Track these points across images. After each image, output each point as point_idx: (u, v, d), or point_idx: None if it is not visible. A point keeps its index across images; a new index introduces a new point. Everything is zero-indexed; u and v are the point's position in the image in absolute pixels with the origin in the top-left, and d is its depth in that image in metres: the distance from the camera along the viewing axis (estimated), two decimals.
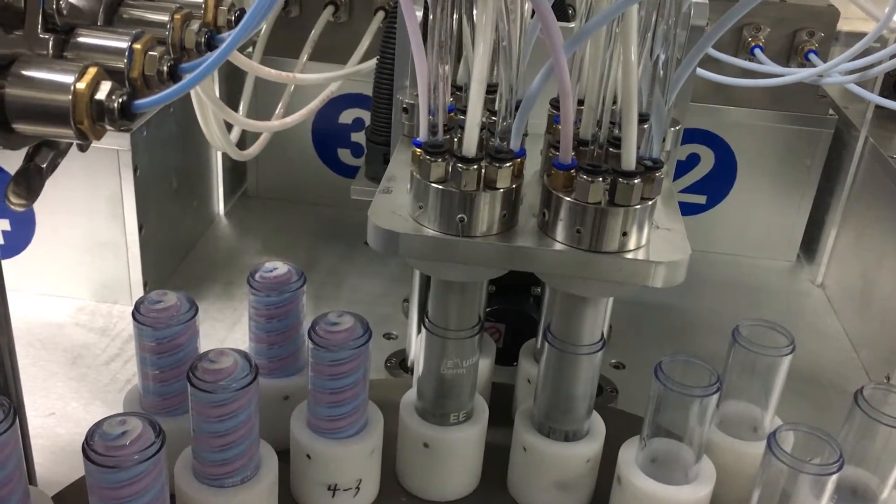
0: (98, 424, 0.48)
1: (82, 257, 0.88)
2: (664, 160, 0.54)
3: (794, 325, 0.95)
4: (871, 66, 0.86)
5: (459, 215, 0.52)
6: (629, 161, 0.52)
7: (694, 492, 0.59)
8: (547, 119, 0.62)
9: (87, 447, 0.47)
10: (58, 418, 0.75)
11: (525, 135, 0.55)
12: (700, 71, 0.88)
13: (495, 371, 0.73)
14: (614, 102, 0.55)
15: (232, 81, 1.02)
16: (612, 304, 0.72)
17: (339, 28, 1.01)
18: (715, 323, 0.95)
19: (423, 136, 0.53)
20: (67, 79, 0.38)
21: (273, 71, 0.86)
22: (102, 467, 0.47)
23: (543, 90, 0.52)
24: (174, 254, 0.99)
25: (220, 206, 1.11)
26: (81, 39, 0.43)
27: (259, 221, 1.11)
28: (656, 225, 0.55)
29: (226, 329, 0.89)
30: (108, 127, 0.39)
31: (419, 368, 0.64)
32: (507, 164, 0.52)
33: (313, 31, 0.97)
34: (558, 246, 0.53)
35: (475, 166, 0.51)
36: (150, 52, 0.43)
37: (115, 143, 0.83)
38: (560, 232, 0.53)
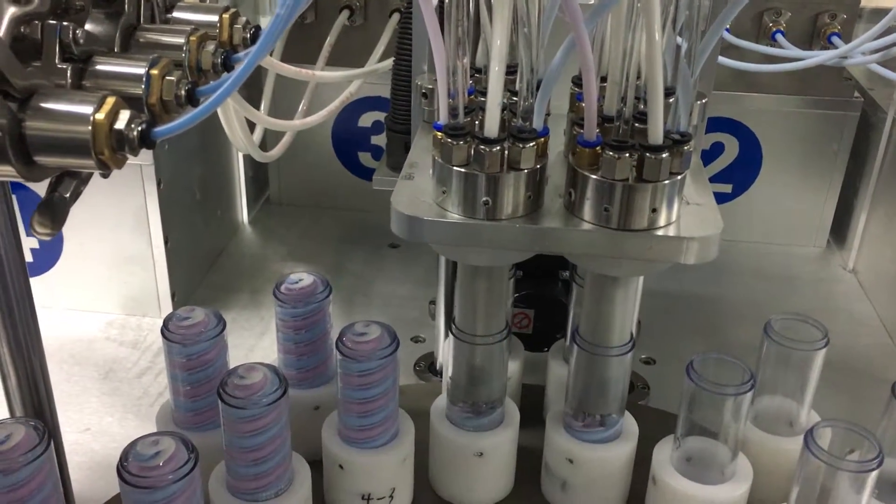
0: (132, 445, 0.49)
1: (110, 272, 0.89)
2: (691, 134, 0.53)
3: (827, 312, 0.95)
4: (894, 44, 0.84)
5: (484, 198, 0.51)
6: (656, 135, 0.50)
7: (731, 490, 0.59)
8: (569, 98, 0.61)
9: (122, 468, 0.48)
10: (93, 433, 0.76)
11: (547, 114, 0.54)
12: (721, 59, 0.86)
13: (526, 360, 0.73)
14: (638, 77, 0.53)
15: (252, 87, 1.02)
16: (641, 297, 0.71)
17: (354, 32, 1.01)
18: (746, 313, 0.94)
19: (443, 119, 0.52)
20: (86, 110, 0.38)
21: (293, 68, 0.85)
22: (137, 488, 0.47)
23: (565, 68, 0.50)
24: (201, 264, 0.99)
25: (244, 215, 1.12)
26: (99, 67, 0.43)
27: (283, 228, 1.11)
28: (686, 200, 0.54)
29: (254, 338, 0.89)
30: (129, 155, 0.40)
31: (448, 375, 0.64)
32: (531, 144, 0.51)
33: (329, 36, 0.97)
34: (586, 226, 0.52)
35: (498, 147, 0.50)
36: (168, 77, 0.43)
37: (138, 157, 0.81)
38: (588, 211, 0.52)
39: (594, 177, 0.51)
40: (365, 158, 1.11)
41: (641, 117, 0.52)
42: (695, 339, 0.91)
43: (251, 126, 0.91)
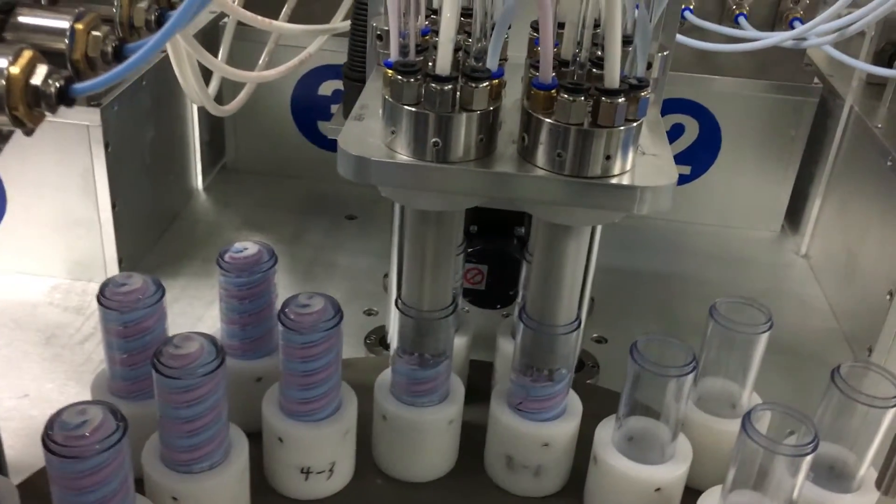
0: (58, 414, 0.48)
1: (55, 235, 0.86)
2: (651, 86, 0.52)
3: (778, 296, 0.96)
4: (849, 25, 0.84)
5: (434, 139, 0.49)
6: (613, 78, 0.49)
7: (670, 470, 0.59)
8: (528, 43, 0.60)
9: (47, 438, 0.46)
10: (31, 400, 0.74)
11: (505, 59, 0.52)
12: (679, 37, 0.86)
13: (475, 336, 0.72)
14: (597, 26, 0.52)
15: (208, 41, 0.99)
16: (595, 275, 0.71)
17: None
18: (698, 294, 0.95)
19: (394, 56, 0.50)
20: (0, 63, 0.36)
21: (252, 14, 0.81)
22: (62, 458, 0.46)
23: (523, 11, 0.49)
24: (151, 230, 0.97)
25: (199, 181, 1.09)
26: (21, 19, 0.41)
27: (239, 196, 1.09)
28: (642, 150, 0.53)
29: (203, 306, 0.88)
30: (46, 112, 0.38)
31: (393, 349, 0.63)
32: (484, 84, 0.49)
33: None
34: (539, 172, 0.50)
35: (450, 86, 0.49)
36: (94, 32, 0.41)
37: (85, 118, 0.81)
38: (540, 157, 0.50)
39: (548, 121, 0.49)
40: (325, 127, 1.09)
41: (598, 62, 0.51)
42: (646, 319, 0.91)
43: (207, 80, 0.87)
